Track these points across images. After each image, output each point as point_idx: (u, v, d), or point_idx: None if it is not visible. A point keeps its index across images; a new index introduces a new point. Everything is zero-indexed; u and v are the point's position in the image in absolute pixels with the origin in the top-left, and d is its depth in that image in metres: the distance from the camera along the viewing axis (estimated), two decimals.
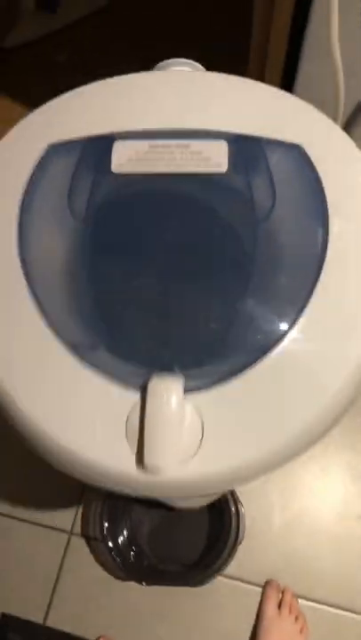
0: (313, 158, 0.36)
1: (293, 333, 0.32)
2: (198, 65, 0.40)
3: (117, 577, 0.82)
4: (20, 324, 0.33)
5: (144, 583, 0.75)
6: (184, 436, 0.31)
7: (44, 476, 0.90)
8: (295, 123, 0.37)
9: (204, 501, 0.65)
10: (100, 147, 0.36)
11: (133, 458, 0.32)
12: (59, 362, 0.32)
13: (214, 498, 0.67)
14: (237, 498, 0.74)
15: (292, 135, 0.36)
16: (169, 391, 0.31)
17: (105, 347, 0.33)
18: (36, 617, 0.85)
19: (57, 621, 0.85)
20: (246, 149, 0.36)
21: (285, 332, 0.32)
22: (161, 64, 0.41)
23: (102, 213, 0.35)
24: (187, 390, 0.31)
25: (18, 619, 0.85)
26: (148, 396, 0.31)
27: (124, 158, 0.36)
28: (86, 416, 0.32)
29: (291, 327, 0.32)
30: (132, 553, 0.79)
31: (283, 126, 0.37)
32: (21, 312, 0.33)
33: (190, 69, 0.40)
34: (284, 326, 0.32)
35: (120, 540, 0.79)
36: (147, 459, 0.30)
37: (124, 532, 0.81)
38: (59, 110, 0.38)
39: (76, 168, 0.36)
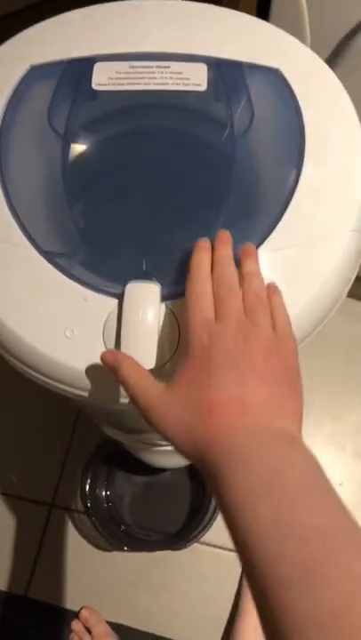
0: (291, 82, 0.36)
1: (266, 247, 0.32)
2: None
3: (100, 548, 0.82)
4: None
5: (126, 548, 0.75)
6: (161, 340, 0.31)
7: (22, 450, 0.89)
8: (273, 48, 0.37)
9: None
10: (81, 67, 0.37)
11: None
12: (36, 270, 0.33)
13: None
14: None
15: (270, 60, 0.37)
16: (145, 296, 0.31)
17: (83, 256, 0.33)
18: (18, 590, 0.84)
19: (39, 593, 0.84)
20: (225, 72, 0.36)
21: (261, 242, 0.32)
22: None
23: (82, 129, 0.35)
24: (163, 298, 0.32)
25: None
26: (124, 302, 0.31)
27: (105, 78, 0.36)
28: (65, 324, 0.32)
29: (270, 233, 0.32)
30: (114, 524, 0.79)
31: (261, 52, 0.37)
32: None
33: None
34: (260, 234, 0.32)
35: (102, 511, 0.79)
36: None
37: (107, 504, 0.80)
38: (41, 34, 0.39)
39: (56, 87, 0.36)
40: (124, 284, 0.31)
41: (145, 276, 0.32)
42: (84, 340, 0.32)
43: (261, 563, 0.21)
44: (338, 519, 0.22)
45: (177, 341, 0.32)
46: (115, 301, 0.32)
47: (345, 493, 0.84)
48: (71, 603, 0.82)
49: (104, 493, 0.80)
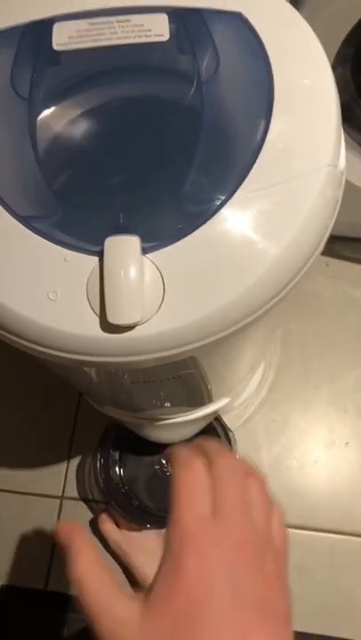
0: (254, 24, 0.36)
1: (243, 190, 0.32)
2: None
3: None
4: None
5: (148, 526, 0.74)
6: (146, 292, 0.31)
7: (26, 446, 0.89)
8: None
9: (191, 430, 0.65)
10: (40, 29, 0.36)
11: (97, 320, 0.31)
12: (13, 236, 0.32)
13: (201, 426, 0.66)
14: (225, 425, 0.74)
15: (230, 4, 0.36)
16: (125, 250, 0.31)
17: (59, 217, 0.33)
18: (38, 584, 0.84)
19: (59, 586, 0.84)
20: (187, 20, 0.36)
21: (237, 186, 0.32)
22: None
23: (47, 91, 0.35)
24: (145, 250, 0.31)
25: (19, 588, 0.84)
26: (105, 258, 0.31)
27: (65, 37, 0.35)
28: (47, 286, 0.32)
29: (245, 176, 0.32)
30: (132, 505, 0.78)
31: None
32: None
33: None
34: (235, 178, 0.32)
35: (119, 495, 0.79)
36: (110, 317, 0.30)
37: (122, 487, 0.80)
38: None
39: (17, 51, 0.35)
40: (104, 240, 0.31)
41: (123, 230, 0.31)
42: (69, 301, 0.31)
43: None
44: None
45: (162, 294, 0.31)
46: (95, 259, 0.32)
47: (352, 452, 0.84)
48: None
49: (118, 477, 0.80)
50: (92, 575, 0.22)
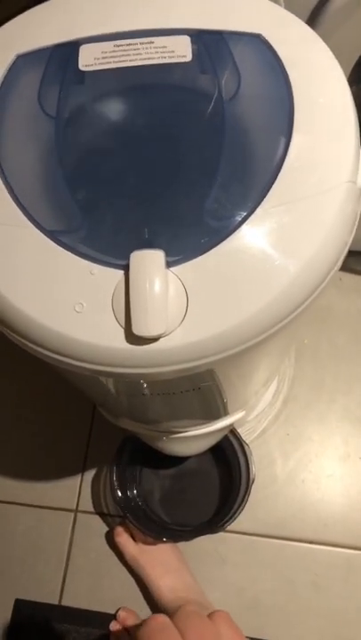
0: (274, 45, 0.37)
1: (264, 206, 0.33)
2: None
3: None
4: None
5: (165, 539, 0.74)
6: (170, 305, 0.31)
7: (41, 459, 0.90)
8: (252, 15, 0.38)
9: (206, 444, 0.65)
10: (67, 51, 0.37)
11: (122, 332, 0.32)
12: (41, 250, 0.33)
13: (216, 439, 0.67)
14: (241, 437, 0.74)
15: (251, 26, 0.37)
16: (150, 264, 0.31)
17: (85, 231, 0.33)
18: (52, 598, 0.84)
19: (73, 600, 0.84)
20: (208, 41, 0.37)
21: (258, 202, 0.33)
22: None
23: (74, 109, 0.36)
24: (169, 264, 0.32)
25: (33, 602, 0.84)
26: (130, 272, 0.32)
27: (91, 58, 0.37)
28: (74, 299, 0.33)
29: (261, 199, 0.33)
30: (148, 519, 0.78)
31: (241, 19, 0.38)
32: None
33: None
34: (256, 194, 0.33)
35: (135, 509, 0.79)
36: (135, 329, 0.31)
37: (138, 501, 0.80)
38: (23, 24, 0.39)
39: (44, 71, 0.37)
40: (129, 254, 0.32)
41: (148, 244, 0.32)
42: (95, 313, 0.32)
43: None
44: None
45: (185, 307, 0.32)
46: (121, 272, 0.32)
47: None
48: (107, 606, 0.82)
49: (134, 490, 0.80)
50: None
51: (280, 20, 0.38)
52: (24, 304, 0.33)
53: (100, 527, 0.86)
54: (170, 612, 0.55)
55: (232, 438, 0.75)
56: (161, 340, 0.32)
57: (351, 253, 0.38)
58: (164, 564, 0.76)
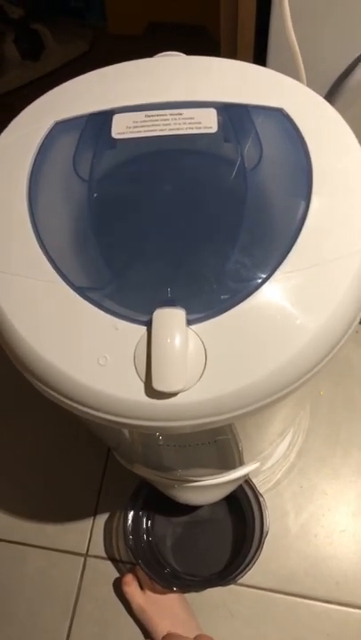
0: (294, 118, 0.39)
1: (283, 269, 0.34)
2: (182, 54, 0.44)
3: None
4: (31, 273, 0.36)
5: (175, 589, 0.73)
6: (189, 361, 0.33)
7: (53, 502, 0.90)
8: (275, 90, 0.41)
9: (220, 494, 0.65)
10: (101, 120, 0.40)
11: (142, 386, 0.33)
12: (69, 305, 0.35)
13: (230, 489, 0.67)
14: (256, 488, 0.74)
15: (273, 101, 0.40)
16: (172, 322, 0.33)
17: (112, 289, 0.35)
18: None
19: None
20: (233, 114, 0.40)
21: (276, 267, 0.34)
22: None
23: (105, 173, 0.38)
24: (190, 322, 0.34)
25: None
26: (153, 328, 0.33)
27: (123, 127, 0.39)
28: (98, 352, 0.34)
29: (284, 258, 0.34)
30: (160, 566, 0.78)
31: (264, 94, 0.40)
32: (32, 262, 0.36)
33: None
34: (274, 259, 0.34)
35: (147, 555, 0.78)
36: (155, 384, 0.32)
37: (150, 548, 0.79)
38: (61, 94, 0.42)
39: (79, 138, 0.39)
40: (152, 312, 0.33)
41: (170, 302, 0.34)
42: (117, 367, 0.34)
43: None
44: None
45: (204, 363, 0.33)
46: (144, 328, 0.34)
47: None
48: None
49: (147, 536, 0.80)
50: None
51: (301, 96, 0.41)
52: (50, 355, 0.34)
53: (110, 573, 0.85)
54: None
55: (247, 489, 0.74)
56: (179, 395, 0.33)
57: None
58: (171, 615, 0.75)
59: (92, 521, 0.88)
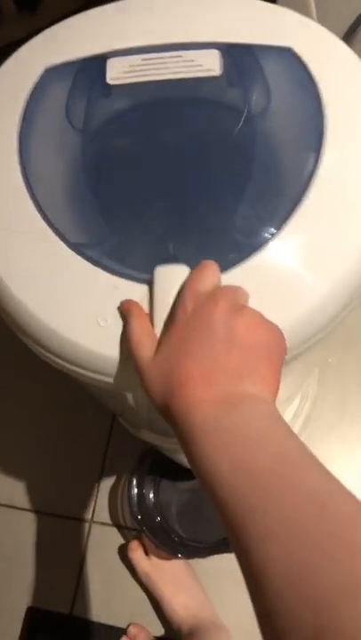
0: (304, 58, 0.36)
1: (293, 223, 0.32)
2: None
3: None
4: (23, 229, 0.33)
5: (180, 555, 0.73)
6: None
7: (58, 468, 0.89)
8: (283, 28, 0.38)
9: None
10: (94, 65, 0.37)
11: None
12: (66, 263, 0.33)
13: None
14: None
15: (281, 39, 0.37)
16: (175, 279, 0.31)
17: (110, 245, 0.33)
18: (63, 608, 0.83)
19: (84, 611, 0.83)
20: (238, 55, 0.37)
21: (286, 221, 0.32)
22: None
23: (100, 121, 0.36)
24: None
25: (44, 611, 0.84)
26: (155, 287, 0.31)
27: (119, 72, 0.37)
28: (97, 313, 0.32)
29: (290, 216, 0.32)
30: (165, 533, 0.77)
31: (271, 32, 0.37)
32: (24, 217, 0.34)
33: None
34: (284, 212, 0.32)
35: (152, 522, 0.78)
36: None
37: (156, 514, 0.79)
38: (51, 38, 0.40)
39: (72, 85, 0.37)
40: (153, 269, 0.31)
41: (173, 259, 0.32)
42: (118, 328, 0.32)
43: (223, 500, 0.25)
44: (292, 452, 0.25)
45: None
46: (145, 287, 0.32)
47: None
48: (118, 620, 0.81)
49: (152, 503, 0.79)
50: (138, 328, 0.30)
51: (311, 33, 0.38)
52: (46, 316, 0.32)
53: (115, 539, 0.85)
54: (183, 631, 0.53)
55: None
56: None
57: None
58: (177, 581, 0.75)
59: (96, 487, 0.88)
